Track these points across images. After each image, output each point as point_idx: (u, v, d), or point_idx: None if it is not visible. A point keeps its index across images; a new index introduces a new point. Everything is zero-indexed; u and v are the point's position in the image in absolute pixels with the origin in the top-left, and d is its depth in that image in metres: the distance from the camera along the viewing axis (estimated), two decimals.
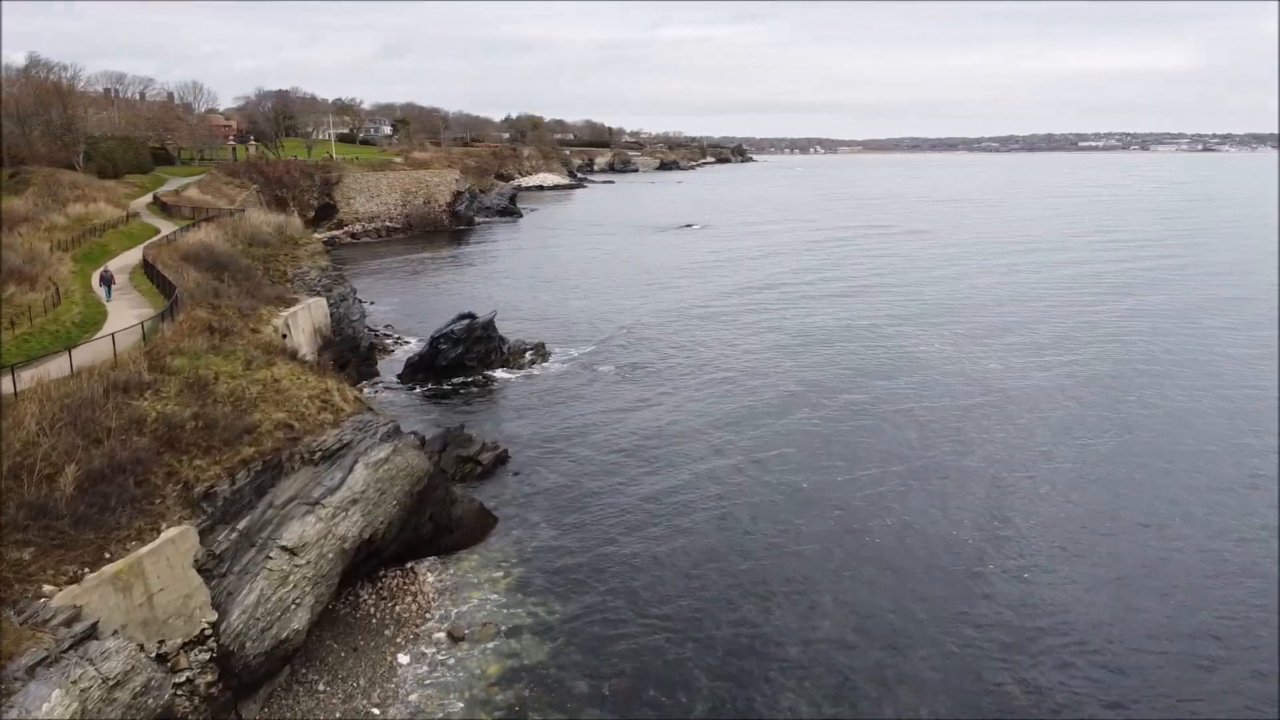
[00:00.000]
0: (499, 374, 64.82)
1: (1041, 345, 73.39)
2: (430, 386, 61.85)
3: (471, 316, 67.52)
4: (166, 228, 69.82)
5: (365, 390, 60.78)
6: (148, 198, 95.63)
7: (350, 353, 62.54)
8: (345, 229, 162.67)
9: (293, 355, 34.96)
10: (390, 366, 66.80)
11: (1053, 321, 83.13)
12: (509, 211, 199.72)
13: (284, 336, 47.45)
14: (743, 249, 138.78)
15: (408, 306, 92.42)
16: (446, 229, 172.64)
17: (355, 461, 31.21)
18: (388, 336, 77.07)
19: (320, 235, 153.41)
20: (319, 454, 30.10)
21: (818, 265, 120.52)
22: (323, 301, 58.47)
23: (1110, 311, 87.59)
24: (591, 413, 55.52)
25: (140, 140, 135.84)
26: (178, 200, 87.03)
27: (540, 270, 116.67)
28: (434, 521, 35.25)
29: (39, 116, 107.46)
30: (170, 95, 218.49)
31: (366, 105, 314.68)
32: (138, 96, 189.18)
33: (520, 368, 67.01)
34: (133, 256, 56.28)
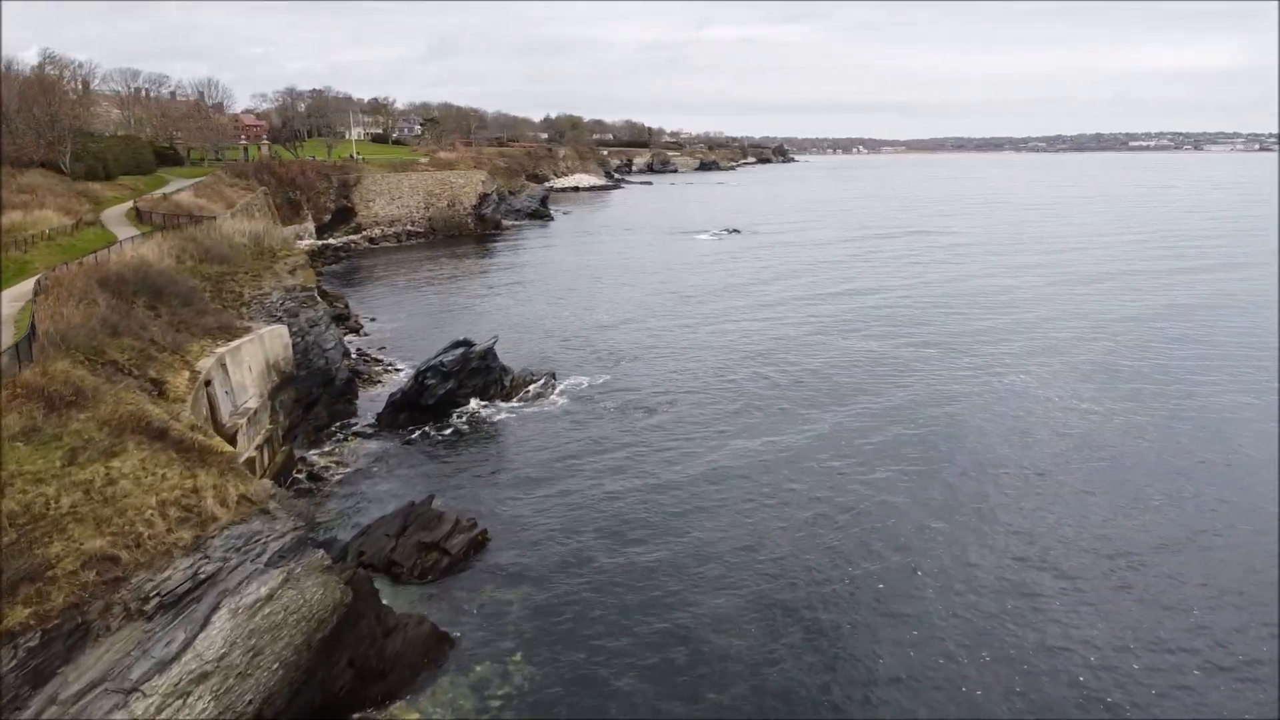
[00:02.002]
0: (496, 413, 54.71)
1: (1131, 377, 61.97)
2: (413, 430, 51.86)
3: (467, 344, 57.47)
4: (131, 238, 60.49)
5: (336, 435, 51.04)
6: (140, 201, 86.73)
7: (321, 388, 52.80)
8: (363, 233, 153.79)
9: (159, 434, 24.97)
10: (374, 402, 56.95)
11: (1147, 352, 71.46)
12: (539, 214, 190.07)
13: (207, 384, 37.72)
14: (786, 257, 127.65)
15: (411, 325, 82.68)
16: (471, 233, 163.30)
17: (216, 607, 21.14)
18: (378, 363, 67.25)
19: (336, 240, 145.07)
20: (156, 600, 20.07)
21: (871, 279, 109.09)
22: (282, 330, 48.73)
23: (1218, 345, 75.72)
24: (599, 470, 45.16)
25: (140, 140, 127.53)
26: (154, 205, 78.00)
27: (564, 280, 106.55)
28: (355, 668, 25.04)
29: (22, 114, 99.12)
30: (200, 95, 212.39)
31: (400, 105, 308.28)
32: (168, 96, 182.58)
33: (524, 401, 56.89)
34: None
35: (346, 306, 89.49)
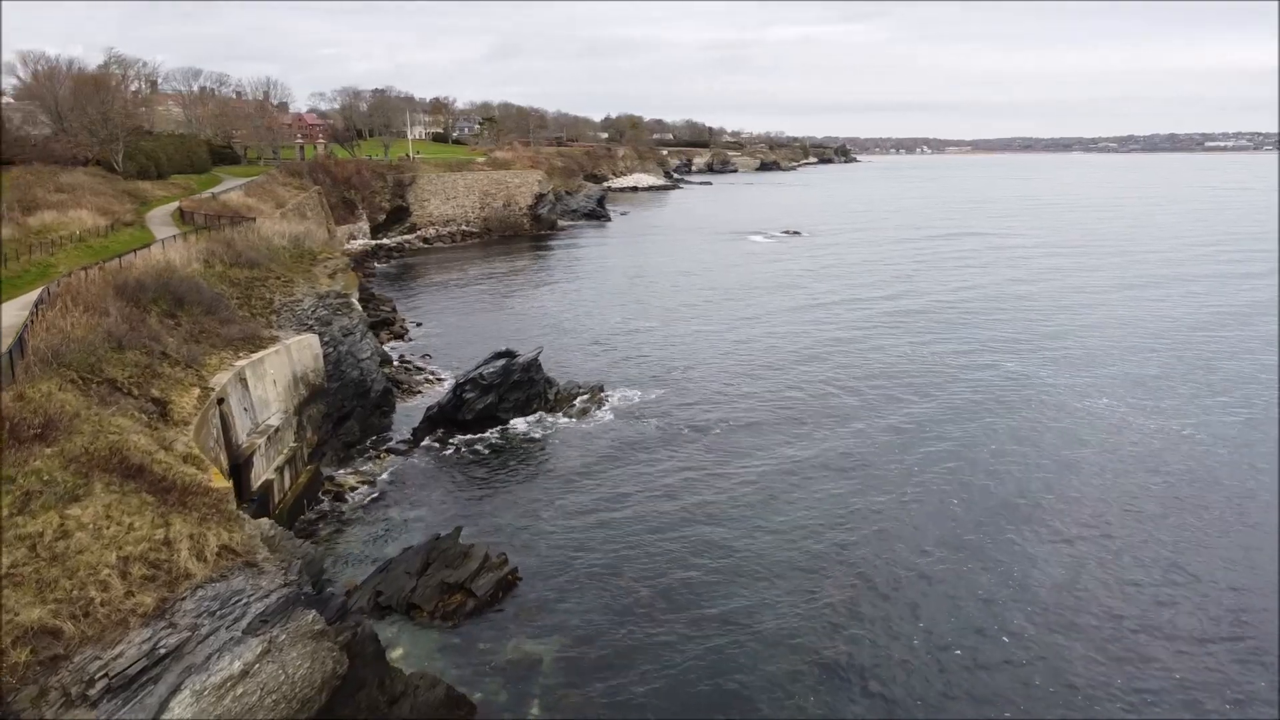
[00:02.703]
0: (539, 429, 51.35)
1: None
2: (448, 447, 48.72)
3: (510, 355, 54.23)
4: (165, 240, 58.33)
5: (369, 452, 48.09)
6: (185, 201, 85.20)
7: (354, 401, 49.92)
8: (418, 233, 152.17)
9: (134, 471, 21.86)
10: (412, 415, 53.97)
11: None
12: (596, 215, 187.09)
13: (220, 402, 34.81)
14: (846, 261, 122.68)
15: (458, 330, 79.81)
16: (527, 234, 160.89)
17: (177, 689, 17.87)
18: (419, 372, 64.37)
19: (390, 240, 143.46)
20: (103, 683, 16.87)
21: (934, 283, 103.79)
22: (312, 340, 45.87)
23: None
24: (645, 499, 41.48)
25: (195, 138, 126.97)
26: (199, 205, 76.16)
27: (617, 284, 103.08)
28: None
29: (76, 112, 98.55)
30: (265, 94, 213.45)
31: (461, 104, 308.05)
32: (233, 95, 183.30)
33: (569, 417, 53.47)
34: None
35: (393, 310, 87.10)
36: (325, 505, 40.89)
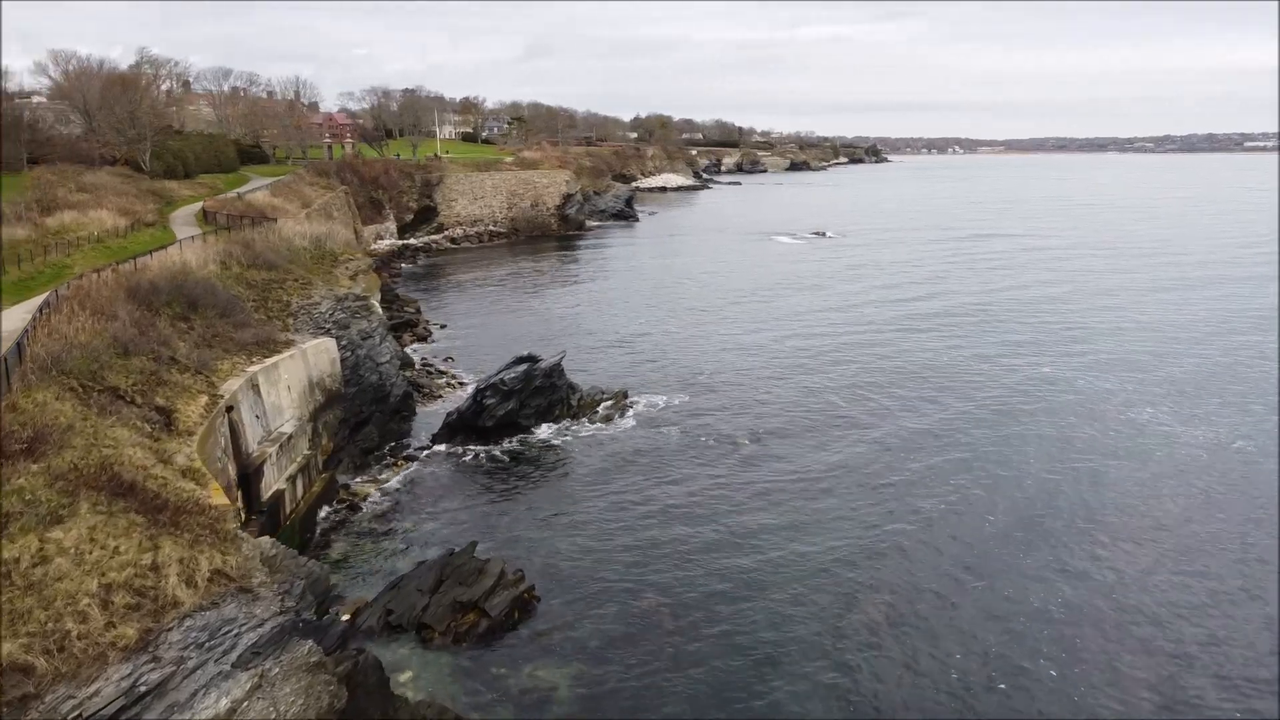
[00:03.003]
0: (561, 437, 50.00)
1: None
2: (468, 454, 47.47)
3: (532, 360, 52.91)
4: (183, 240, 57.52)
5: (386, 459, 46.91)
6: (208, 201, 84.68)
7: (372, 407, 48.78)
8: (445, 233, 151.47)
9: (125, 489, 20.63)
10: (432, 420, 52.79)
11: None
12: (624, 215, 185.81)
13: (229, 410, 33.69)
14: (880, 262, 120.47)
15: (482, 332, 78.66)
16: (554, 234, 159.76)
17: None
18: (440, 375, 63.20)
19: (417, 240, 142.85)
20: None
21: (971, 285, 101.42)
22: (329, 344, 44.79)
23: None
24: (669, 513, 39.96)
25: (223, 137, 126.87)
26: (222, 205, 75.49)
27: (644, 285, 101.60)
28: None
29: (104, 111, 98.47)
30: (295, 94, 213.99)
31: (490, 104, 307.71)
32: (264, 95, 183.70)
33: (592, 424, 52.08)
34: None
35: (417, 311, 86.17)
36: (339, 515, 39.70)
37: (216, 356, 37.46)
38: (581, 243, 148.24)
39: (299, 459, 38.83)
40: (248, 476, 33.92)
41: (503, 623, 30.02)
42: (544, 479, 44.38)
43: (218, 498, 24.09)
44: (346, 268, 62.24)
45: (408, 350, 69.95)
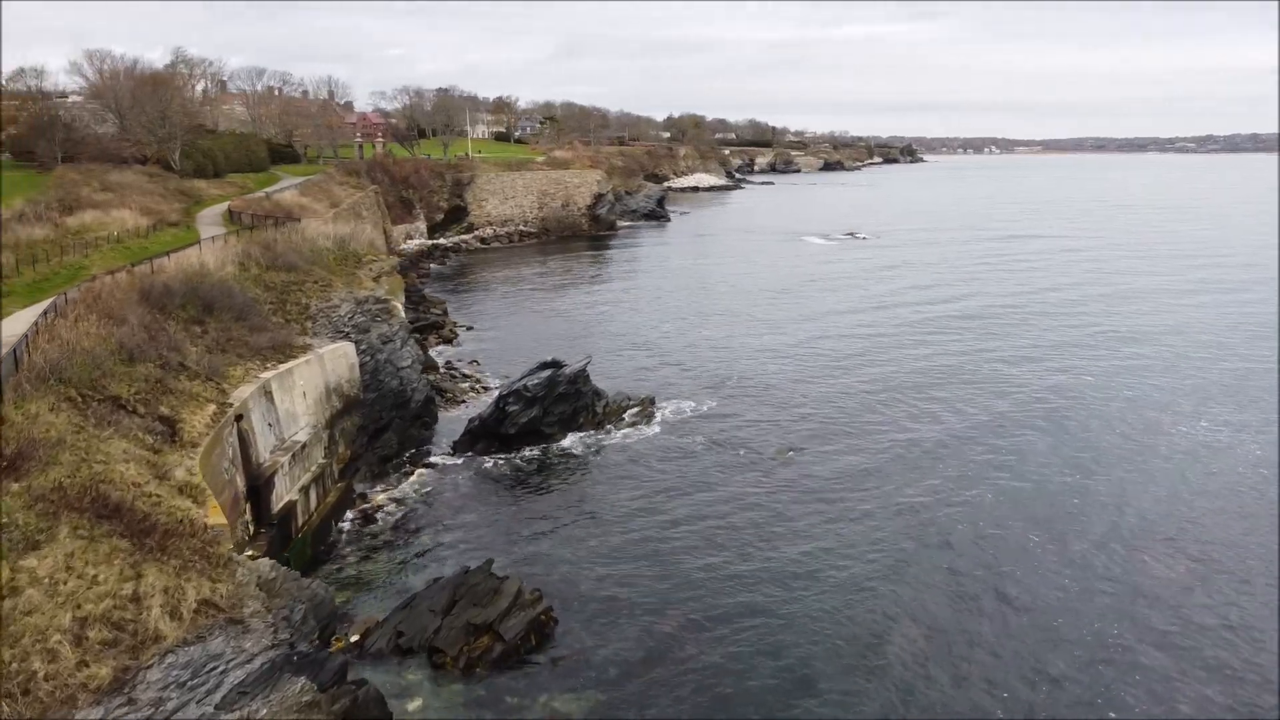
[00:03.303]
0: (584, 445, 48.53)
1: None
2: (489, 462, 46.13)
3: (556, 365, 51.49)
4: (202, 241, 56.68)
5: (405, 467, 45.64)
6: (235, 201, 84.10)
7: (392, 413, 47.54)
8: (475, 233, 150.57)
9: (110, 510, 19.35)
10: (455, 426, 51.50)
11: None
12: (655, 215, 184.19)
13: (238, 419, 32.51)
14: (915, 263, 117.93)
15: (509, 334, 77.43)
16: (585, 234, 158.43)
17: None
18: (465, 379, 61.94)
19: (447, 240, 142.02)
20: None
21: (1010, 287, 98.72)
22: (347, 348, 43.63)
23: None
24: (695, 528, 38.36)
25: (254, 136, 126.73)
26: (248, 205, 74.74)
27: (673, 287, 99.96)
28: None
29: (134, 110, 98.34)
30: (330, 94, 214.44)
31: (523, 104, 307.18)
32: (300, 95, 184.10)
33: (617, 431, 50.59)
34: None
35: (444, 313, 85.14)
36: (355, 526, 38.47)
37: (229, 362, 36.36)
38: (612, 243, 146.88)
39: (313, 468, 37.64)
40: (258, 488, 32.73)
41: (518, 647, 28.54)
42: (566, 490, 42.92)
43: (215, 517, 22.83)
44: (370, 269, 61.16)
45: (432, 353, 68.86)
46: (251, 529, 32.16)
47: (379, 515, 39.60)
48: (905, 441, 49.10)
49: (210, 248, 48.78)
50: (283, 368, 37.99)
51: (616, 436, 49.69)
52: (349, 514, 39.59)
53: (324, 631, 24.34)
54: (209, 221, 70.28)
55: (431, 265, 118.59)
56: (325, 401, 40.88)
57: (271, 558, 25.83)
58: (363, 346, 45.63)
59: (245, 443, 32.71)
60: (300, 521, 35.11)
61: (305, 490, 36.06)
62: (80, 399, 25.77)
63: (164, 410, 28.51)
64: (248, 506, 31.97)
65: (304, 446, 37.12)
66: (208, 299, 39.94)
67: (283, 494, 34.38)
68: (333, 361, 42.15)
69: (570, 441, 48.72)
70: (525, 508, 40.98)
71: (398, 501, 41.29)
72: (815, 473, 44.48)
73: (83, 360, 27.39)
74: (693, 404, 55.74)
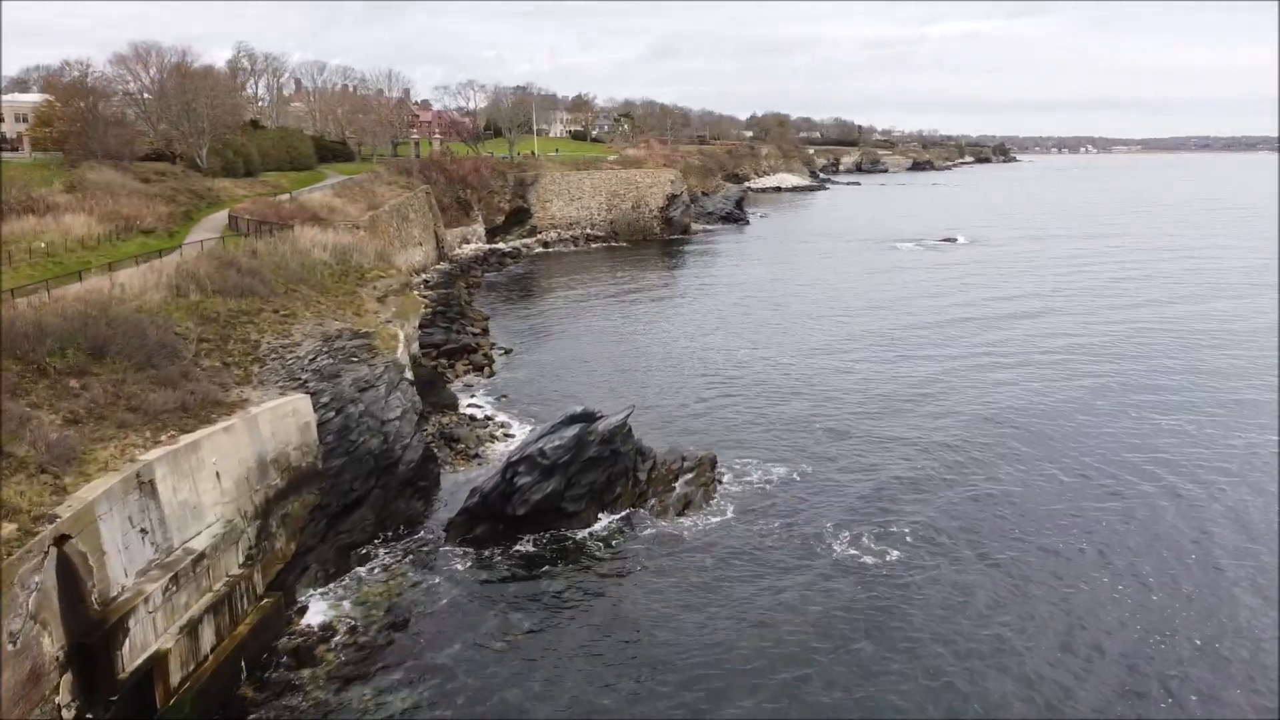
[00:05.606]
0: (620, 531, 36.60)
1: None
2: (489, 555, 34.51)
3: (588, 418, 39.48)
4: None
5: (376, 560, 34.31)
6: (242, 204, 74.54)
7: (370, 481, 36.21)
8: (537, 236, 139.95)
9: None
10: (461, 491, 40.09)
11: None
12: (733, 218, 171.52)
13: (59, 543, 21.42)
14: (1027, 274, 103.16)
15: (553, 359, 65.99)
16: (657, 238, 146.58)
17: None
18: (485, 424, 50.50)
19: (506, 245, 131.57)
20: None
21: (1149, 297, 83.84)
22: (299, 403, 32.51)
23: None
24: (758, 662, 26.15)
25: (297, 133, 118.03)
26: (245, 210, 64.50)
27: (749, 303, 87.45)
28: None
29: (161, 104, 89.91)
30: (406, 92, 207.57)
31: (600, 102, 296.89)
32: (376, 93, 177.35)
33: (663, 505, 38.60)
34: None
35: (484, 331, 74.34)
36: (278, 670, 27.13)
37: (100, 437, 25.51)
38: (685, 249, 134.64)
39: (216, 588, 26.48)
40: (89, 646, 21.59)
41: None
42: (586, 610, 31.02)
43: None
44: (375, 287, 50.18)
45: (457, 385, 57.84)
46: (74, 709, 21.07)
47: (317, 648, 28.20)
48: (1052, 529, 36.06)
49: (145, 267, 38.17)
50: (183, 440, 26.94)
51: (663, 522, 37.59)
52: (280, 642, 28.32)
53: None
54: (210, 228, 60.50)
55: (485, 274, 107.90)
56: (256, 481, 29.75)
57: None
58: (325, 398, 34.39)
59: (73, 577, 21.56)
60: (176, 680, 23.85)
61: (191, 628, 24.83)
62: None
63: None
64: (65, 678, 20.86)
65: (199, 558, 25.98)
66: (100, 340, 29.21)
67: (144, 643, 23.21)
68: (274, 424, 31.04)
69: (601, 525, 36.85)
70: (527, 633, 29.25)
71: (351, 623, 29.84)
72: (926, 583, 31.84)
73: None
74: (766, 467, 43.48)
